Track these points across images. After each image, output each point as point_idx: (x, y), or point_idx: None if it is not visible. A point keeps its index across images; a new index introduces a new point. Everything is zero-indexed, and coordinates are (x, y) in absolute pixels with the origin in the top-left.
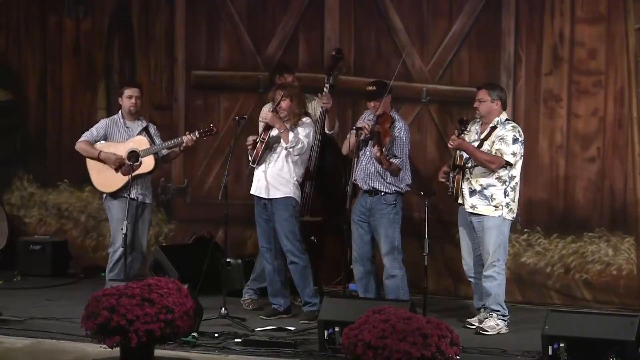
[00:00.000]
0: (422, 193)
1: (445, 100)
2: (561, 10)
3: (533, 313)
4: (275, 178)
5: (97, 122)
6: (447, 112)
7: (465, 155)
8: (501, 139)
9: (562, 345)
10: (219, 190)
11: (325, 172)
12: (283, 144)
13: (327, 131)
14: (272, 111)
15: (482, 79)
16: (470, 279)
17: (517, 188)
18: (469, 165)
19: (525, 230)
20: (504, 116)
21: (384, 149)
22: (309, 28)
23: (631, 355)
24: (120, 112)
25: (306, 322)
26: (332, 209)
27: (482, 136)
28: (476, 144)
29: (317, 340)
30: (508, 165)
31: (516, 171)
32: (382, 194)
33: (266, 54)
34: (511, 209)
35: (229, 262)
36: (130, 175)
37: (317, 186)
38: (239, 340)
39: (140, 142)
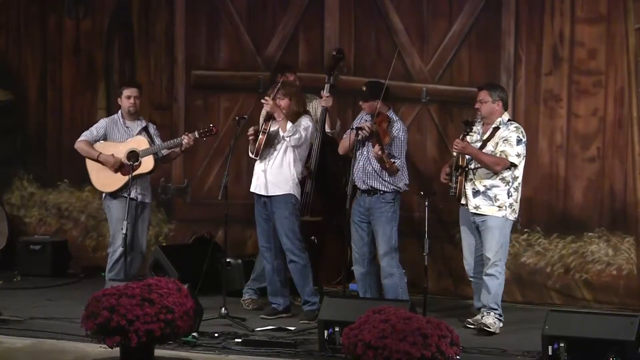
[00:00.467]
0: (422, 193)
1: (445, 100)
2: (561, 10)
3: (533, 313)
4: (274, 175)
5: (96, 122)
6: (447, 112)
7: (467, 155)
8: (505, 140)
9: (562, 345)
10: (219, 190)
11: (326, 172)
12: (281, 132)
13: (328, 130)
14: (272, 99)
15: (482, 79)
16: (471, 279)
17: (520, 188)
18: (472, 166)
19: (525, 230)
20: (506, 116)
21: (386, 152)
22: (309, 28)
23: (631, 355)
24: (119, 112)
25: (306, 322)
26: (332, 209)
27: (485, 137)
28: (478, 144)
29: (317, 340)
30: (512, 166)
31: (519, 172)
32: (381, 192)
33: (266, 54)
34: (514, 209)
35: (229, 262)
36: (130, 175)
37: (317, 186)
38: (239, 340)
39: (140, 142)
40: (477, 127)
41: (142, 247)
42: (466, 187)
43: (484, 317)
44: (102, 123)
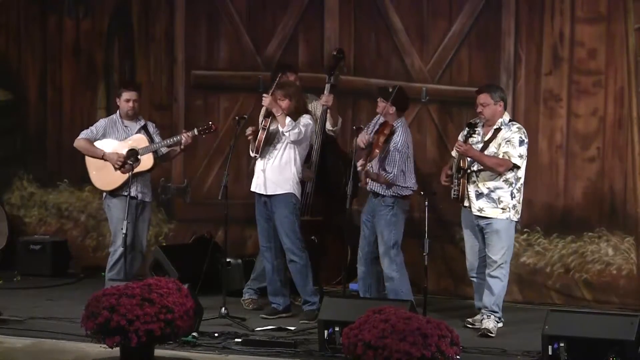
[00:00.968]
0: (422, 193)
1: (445, 100)
2: (561, 10)
3: (533, 313)
4: (275, 174)
5: (95, 122)
6: (446, 112)
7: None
8: (508, 141)
9: (562, 345)
10: (219, 190)
11: (326, 172)
12: (280, 128)
13: (330, 127)
14: (270, 95)
15: (482, 79)
16: (472, 279)
17: (523, 189)
18: (475, 168)
19: (525, 230)
20: (507, 117)
21: (371, 162)
22: (309, 28)
23: (631, 355)
24: (118, 112)
25: (306, 321)
26: (333, 209)
27: (487, 138)
28: (480, 146)
29: (317, 340)
30: (515, 167)
31: (522, 172)
32: (382, 196)
33: (266, 54)
34: (517, 210)
35: (229, 262)
36: (130, 174)
37: (318, 186)
38: (239, 340)
39: (139, 141)
40: (478, 129)
41: (142, 247)
42: (469, 190)
43: (484, 321)
44: (102, 123)
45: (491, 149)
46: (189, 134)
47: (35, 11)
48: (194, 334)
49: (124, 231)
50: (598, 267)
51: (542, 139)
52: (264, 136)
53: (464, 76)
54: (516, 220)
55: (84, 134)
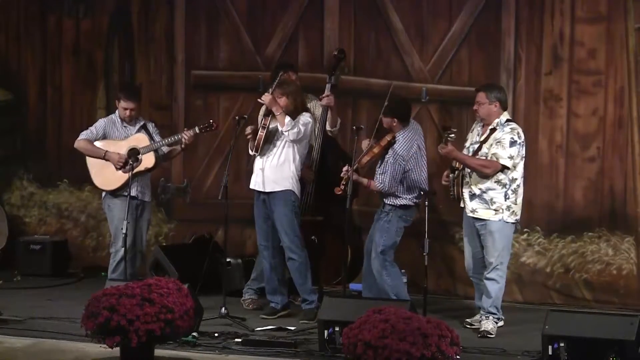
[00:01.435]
0: (422, 193)
1: (445, 100)
2: (561, 10)
3: (533, 313)
4: (274, 172)
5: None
6: (447, 112)
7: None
8: (498, 142)
9: (562, 345)
10: (219, 190)
11: (326, 172)
12: (280, 127)
13: (329, 128)
14: (270, 93)
15: (482, 79)
16: (471, 278)
17: (520, 190)
18: (468, 169)
19: (525, 230)
20: (504, 117)
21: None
22: (309, 28)
23: (631, 355)
24: (117, 112)
25: (306, 321)
26: (333, 209)
27: (482, 138)
28: (476, 146)
29: (317, 340)
30: (505, 169)
31: (517, 173)
32: (382, 202)
33: (266, 54)
34: (513, 211)
35: (229, 262)
36: (130, 173)
37: (318, 186)
38: (239, 340)
39: (140, 140)
40: (478, 129)
41: (142, 247)
42: (463, 191)
43: (483, 322)
44: (101, 123)
45: (484, 150)
46: (190, 132)
47: (35, 11)
48: (194, 334)
49: (124, 231)
50: (598, 267)
51: (542, 139)
52: (263, 135)
53: (464, 76)
54: (512, 221)
55: (84, 134)
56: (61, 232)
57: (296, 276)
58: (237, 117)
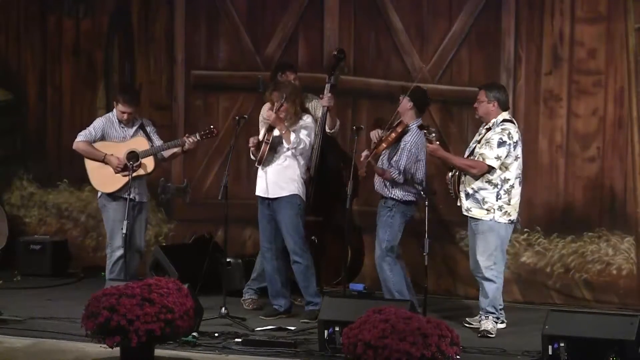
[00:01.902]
0: (422, 193)
1: (445, 100)
2: (561, 10)
3: (533, 313)
4: (280, 177)
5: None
6: (447, 112)
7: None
8: (487, 142)
9: (562, 345)
10: (219, 190)
11: (326, 172)
12: (285, 144)
13: (328, 130)
14: (275, 112)
15: (482, 79)
16: (476, 278)
17: (514, 190)
18: None
19: (525, 230)
20: (501, 117)
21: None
22: (309, 28)
23: (631, 355)
24: (114, 110)
25: (307, 321)
26: (333, 209)
27: (479, 138)
28: (474, 145)
29: (317, 340)
30: (492, 169)
31: (510, 174)
32: (384, 198)
33: (266, 54)
34: (505, 211)
35: (229, 262)
36: (130, 176)
37: (318, 186)
38: (239, 340)
39: (140, 143)
40: (481, 128)
41: (141, 247)
42: (460, 190)
43: (482, 322)
44: (99, 123)
45: (477, 150)
46: (192, 139)
47: (35, 11)
48: (194, 334)
49: (124, 231)
50: (598, 267)
51: (542, 139)
52: (267, 149)
53: (464, 76)
54: (505, 221)
55: (82, 135)
56: (61, 232)
57: (301, 279)
58: (237, 117)
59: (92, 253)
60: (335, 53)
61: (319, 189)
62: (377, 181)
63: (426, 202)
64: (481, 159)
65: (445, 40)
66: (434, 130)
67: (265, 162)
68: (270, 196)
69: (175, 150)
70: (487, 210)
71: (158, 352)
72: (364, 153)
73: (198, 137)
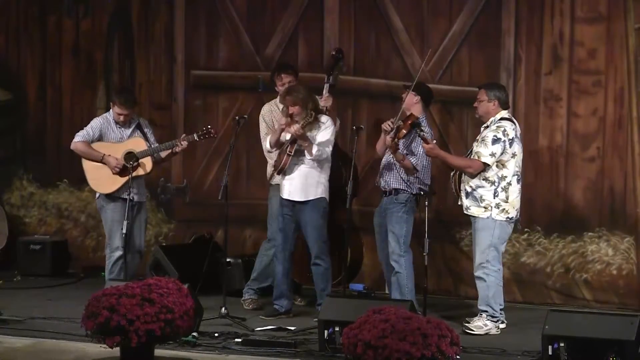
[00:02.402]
0: (422, 193)
1: (445, 100)
2: (561, 10)
3: (533, 313)
4: (307, 180)
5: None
6: (447, 112)
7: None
8: (482, 140)
9: (562, 345)
10: (219, 190)
11: None
12: (307, 155)
13: None
14: (302, 126)
15: (482, 79)
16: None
17: (512, 188)
18: None
19: (525, 230)
20: (499, 115)
21: (397, 140)
22: (309, 28)
23: (631, 355)
24: (111, 111)
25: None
26: (333, 209)
27: (478, 137)
28: (474, 144)
29: (317, 340)
30: (487, 166)
31: (508, 171)
32: (395, 194)
33: (265, 54)
34: (503, 209)
35: (229, 262)
36: (130, 177)
37: None
38: (239, 340)
39: (138, 144)
40: (481, 128)
41: (140, 247)
42: (461, 189)
43: (472, 320)
44: (97, 123)
45: (474, 148)
46: (189, 139)
47: (35, 11)
48: (194, 334)
49: (124, 231)
50: (598, 267)
51: (542, 139)
52: (288, 161)
53: (464, 76)
54: (502, 219)
55: (80, 135)
56: (61, 232)
57: (319, 281)
58: (236, 117)
59: (92, 253)
60: (334, 53)
61: None
62: (390, 176)
63: (426, 202)
64: (476, 157)
65: (445, 41)
66: (423, 128)
67: (289, 168)
68: (298, 199)
69: (172, 150)
70: (484, 208)
71: (158, 352)
72: (389, 137)
73: (196, 138)
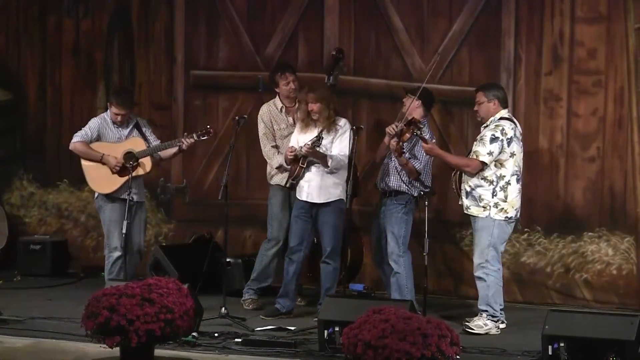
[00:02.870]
0: (422, 193)
1: (445, 101)
2: (561, 10)
3: (533, 313)
4: (327, 182)
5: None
6: (447, 112)
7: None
8: (481, 139)
9: (562, 345)
10: (219, 190)
11: None
12: (323, 168)
13: None
14: (311, 147)
15: (482, 79)
16: None
17: (511, 188)
18: None
19: (525, 230)
20: (499, 115)
21: (401, 144)
22: (309, 28)
23: (631, 355)
24: (108, 111)
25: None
26: None
27: (478, 137)
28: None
29: (317, 340)
30: (485, 165)
31: (506, 170)
32: (394, 195)
33: (266, 54)
34: (502, 208)
35: (229, 262)
36: (130, 176)
37: None
38: (239, 340)
39: (137, 143)
40: (481, 128)
41: (140, 247)
42: (461, 188)
43: (472, 319)
44: (95, 123)
45: (473, 148)
46: (189, 139)
47: (35, 11)
48: (194, 334)
49: (124, 231)
50: (598, 267)
51: (542, 139)
52: (302, 172)
53: (464, 76)
54: (501, 219)
55: (79, 136)
56: (61, 232)
57: (326, 279)
58: (236, 117)
59: (92, 253)
60: (334, 53)
61: None
62: (391, 178)
63: (426, 202)
64: (475, 157)
65: (445, 41)
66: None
67: (305, 172)
68: (317, 201)
69: (171, 150)
70: (483, 207)
71: (158, 352)
72: (393, 141)
73: (195, 138)
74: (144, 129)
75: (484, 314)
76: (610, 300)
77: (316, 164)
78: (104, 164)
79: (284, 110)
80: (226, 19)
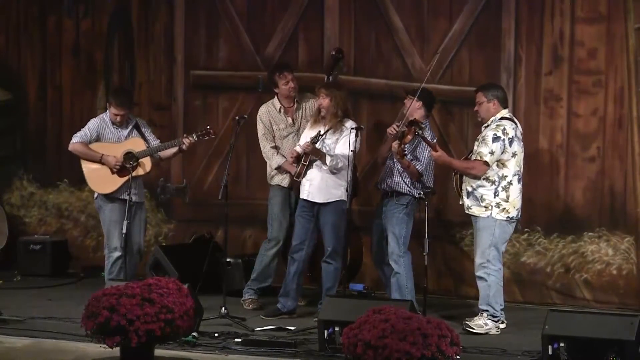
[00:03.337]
0: (422, 193)
1: (446, 100)
2: (561, 10)
3: (533, 313)
4: (328, 182)
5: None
6: (447, 112)
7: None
8: (483, 139)
9: (562, 345)
10: (219, 190)
11: None
12: (324, 166)
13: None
14: (312, 142)
15: (482, 79)
16: None
17: (513, 188)
18: None
19: (525, 230)
20: (499, 115)
21: (403, 146)
22: (309, 28)
23: (631, 355)
24: (107, 111)
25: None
26: None
27: (479, 137)
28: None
29: (317, 340)
30: (486, 165)
31: (508, 170)
32: (396, 196)
33: (265, 54)
34: (504, 208)
35: (229, 262)
36: (130, 177)
37: None
38: (239, 340)
39: (137, 144)
40: (482, 128)
41: (140, 247)
42: (462, 189)
43: (473, 319)
44: (94, 124)
45: (475, 148)
46: (189, 139)
47: (35, 11)
48: (194, 334)
49: (124, 231)
50: (598, 267)
51: (542, 139)
52: (304, 170)
53: (465, 76)
54: (503, 218)
55: (78, 136)
56: (61, 232)
57: (327, 279)
58: (236, 117)
59: (92, 253)
60: (334, 53)
61: None
62: (394, 179)
63: (426, 202)
64: (478, 157)
65: (445, 41)
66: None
67: (308, 170)
68: (318, 201)
69: (172, 150)
70: (485, 207)
71: (158, 352)
72: (395, 143)
73: (195, 138)
74: (143, 130)
75: (485, 314)
76: (610, 300)
77: (318, 163)
78: (103, 164)
79: (282, 110)
80: (226, 19)
